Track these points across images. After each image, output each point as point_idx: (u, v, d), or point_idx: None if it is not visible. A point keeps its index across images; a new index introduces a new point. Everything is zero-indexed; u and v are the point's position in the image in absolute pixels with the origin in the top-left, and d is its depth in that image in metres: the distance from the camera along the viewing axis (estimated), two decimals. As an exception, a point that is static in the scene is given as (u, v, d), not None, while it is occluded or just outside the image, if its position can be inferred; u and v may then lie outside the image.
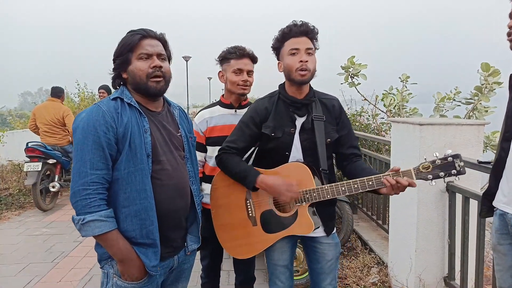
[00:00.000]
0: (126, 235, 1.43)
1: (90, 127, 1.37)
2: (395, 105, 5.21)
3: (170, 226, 1.54)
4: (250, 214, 1.87)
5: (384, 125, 5.69)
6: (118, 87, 1.56)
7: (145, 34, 1.50)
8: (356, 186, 1.66)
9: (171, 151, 1.56)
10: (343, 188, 1.68)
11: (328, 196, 1.70)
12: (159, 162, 1.49)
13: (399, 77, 5.24)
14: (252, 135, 1.87)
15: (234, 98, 2.24)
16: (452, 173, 1.57)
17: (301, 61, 1.74)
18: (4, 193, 6.22)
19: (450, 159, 1.57)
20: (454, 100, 4.73)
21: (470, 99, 4.45)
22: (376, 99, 5.57)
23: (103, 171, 1.37)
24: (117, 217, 1.42)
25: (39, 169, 5.25)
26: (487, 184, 1.80)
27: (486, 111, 4.33)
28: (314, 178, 1.75)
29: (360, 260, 3.36)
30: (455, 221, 2.54)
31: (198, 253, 2.16)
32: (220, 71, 2.28)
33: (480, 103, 4.34)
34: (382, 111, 5.51)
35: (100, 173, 1.37)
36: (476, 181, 2.63)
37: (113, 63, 1.52)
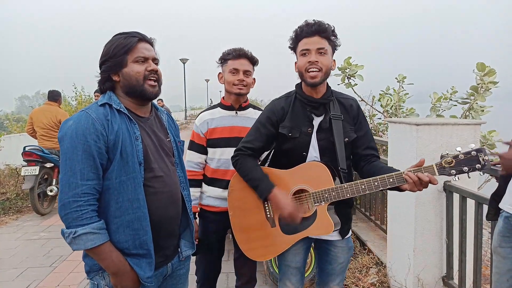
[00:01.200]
0: (118, 246, 1.38)
1: (79, 135, 1.31)
2: (392, 106, 5.22)
3: (164, 235, 1.50)
4: (269, 216, 1.84)
5: (381, 125, 5.70)
6: (106, 91, 1.50)
7: (141, 37, 1.48)
8: (376, 183, 1.61)
9: (162, 157, 1.52)
10: (362, 187, 1.63)
11: (348, 195, 1.67)
12: (151, 169, 1.45)
13: (396, 78, 5.26)
14: (269, 135, 1.86)
15: (233, 99, 2.24)
16: (476, 167, 1.51)
17: (309, 62, 1.72)
18: (1, 197, 6.19)
19: (474, 153, 1.52)
20: (451, 100, 4.74)
21: (466, 98, 4.47)
22: (373, 99, 5.59)
23: (94, 181, 1.32)
24: (109, 228, 1.37)
25: (37, 173, 5.23)
26: (484, 184, 1.81)
27: (482, 110, 4.34)
28: (332, 177, 1.72)
29: (359, 261, 3.36)
30: (453, 221, 2.55)
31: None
32: (219, 73, 2.29)
33: (476, 103, 4.35)
34: (379, 112, 5.52)
35: (91, 184, 1.31)
36: (473, 181, 2.64)
37: (102, 65, 1.47)
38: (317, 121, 1.82)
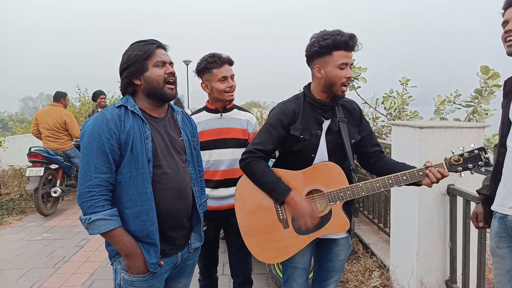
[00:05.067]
0: (131, 234, 1.53)
1: (95, 133, 1.48)
2: (396, 108, 5.21)
3: (171, 227, 1.62)
4: (281, 217, 1.83)
5: (385, 128, 5.68)
6: (128, 94, 1.64)
7: (159, 44, 1.61)
8: (390, 181, 1.72)
9: (172, 155, 1.63)
10: (377, 184, 1.73)
11: (363, 193, 1.75)
12: (160, 166, 1.58)
13: (399, 80, 5.24)
14: (280, 137, 1.86)
15: (220, 105, 2.30)
16: (479, 164, 1.69)
17: (348, 77, 1.77)
18: (5, 198, 6.23)
19: (476, 151, 1.70)
20: (454, 103, 4.73)
21: (470, 102, 4.46)
22: (377, 102, 5.57)
23: (106, 174, 1.48)
24: (122, 217, 1.52)
25: (41, 174, 5.26)
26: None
27: (486, 113, 4.33)
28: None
29: (362, 264, 3.35)
30: (456, 224, 2.54)
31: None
32: (202, 82, 2.30)
33: (480, 106, 4.34)
34: (383, 114, 5.50)
35: (104, 177, 1.47)
36: (477, 184, 2.63)
37: (124, 71, 1.59)
38: (326, 123, 1.87)
